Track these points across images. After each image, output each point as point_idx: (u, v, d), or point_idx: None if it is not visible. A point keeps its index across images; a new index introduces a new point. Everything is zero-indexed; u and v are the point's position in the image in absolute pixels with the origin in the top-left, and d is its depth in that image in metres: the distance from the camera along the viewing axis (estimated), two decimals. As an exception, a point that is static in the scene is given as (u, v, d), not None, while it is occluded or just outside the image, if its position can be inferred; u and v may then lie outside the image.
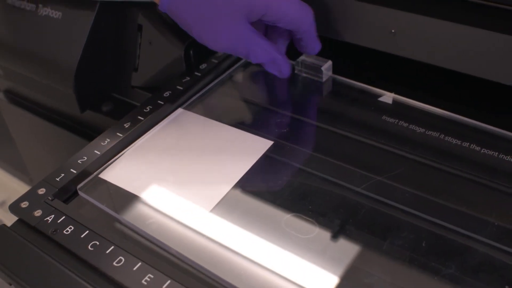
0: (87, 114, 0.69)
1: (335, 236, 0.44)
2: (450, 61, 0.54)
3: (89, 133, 0.71)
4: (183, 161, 0.52)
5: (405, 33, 0.55)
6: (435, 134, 0.53)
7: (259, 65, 0.64)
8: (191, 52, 0.62)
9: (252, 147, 0.53)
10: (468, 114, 0.54)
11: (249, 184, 0.49)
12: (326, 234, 0.45)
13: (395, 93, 0.57)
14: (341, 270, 0.42)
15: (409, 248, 0.43)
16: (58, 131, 0.75)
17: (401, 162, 0.50)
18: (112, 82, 0.69)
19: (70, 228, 0.45)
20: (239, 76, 0.64)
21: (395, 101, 0.57)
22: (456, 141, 0.52)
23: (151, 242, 0.45)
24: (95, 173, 0.52)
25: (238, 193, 0.49)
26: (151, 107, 0.57)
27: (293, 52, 0.63)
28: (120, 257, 0.42)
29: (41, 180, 0.50)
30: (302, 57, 0.61)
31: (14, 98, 0.81)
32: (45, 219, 0.46)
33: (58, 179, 0.50)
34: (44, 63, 0.68)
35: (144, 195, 0.49)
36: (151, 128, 0.56)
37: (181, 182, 0.50)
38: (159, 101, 0.57)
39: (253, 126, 0.56)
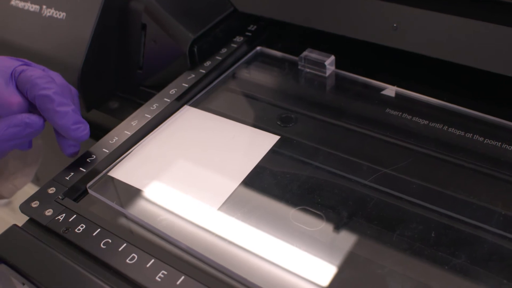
0: (93, 113, 0.68)
1: (344, 228, 0.44)
2: (452, 53, 0.53)
3: (96, 132, 0.70)
4: (191, 158, 0.52)
5: (407, 27, 0.54)
6: (438, 125, 0.52)
7: (262, 61, 0.64)
8: (195, 49, 0.61)
9: (259, 143, 0.52)
10: (471, 106, 0.53)
11: (257, 179, 0.49)
12: (335, 227, 0.44)
13: (398, 86, 0.57)
14: (351, 262, 0.41)
15: (418, 239, 0.42)
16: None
17: (406, 154, 0.50)
18: (117, 81, 0.68)
19: (82, 226, 0.44)
20: (243, 72, 0.63)
21: (398, 94, 0.56)
22: (459, 132, 0.51)
23: (162, 238, 0.45)
24: (104, 171, 0.51)
25: (247, 188, 0.48)
26: (157, 104, 0.56)
27: (297, 47, 0.62)
28: (133, 254, 0.42)
29: (51, 180, 0.49)
30: (305, 53, 0.61)
31: (20, 98, 0.80)
32: (56, 218, 0.45)
33: (67, 178, 0.49)
34: (49, 64, 0.67)
35: (154, 193, 0.48)
36: (158, 126, 0.55)
37: (190, 178, 0.50)
38: (165, 99, 0.57)
39: (259, 122, 0.55)
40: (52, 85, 0.48)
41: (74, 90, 0.53)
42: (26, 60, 0.52)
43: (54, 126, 0.49)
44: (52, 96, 0.48)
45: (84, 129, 0.49)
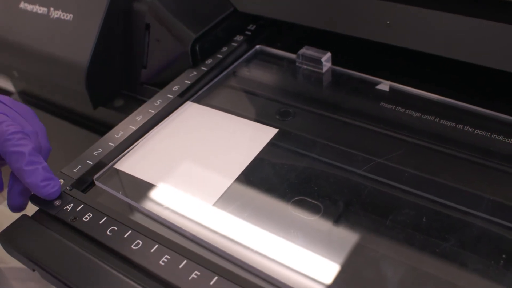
0: (99, 111, 0.69)
1: (340, 216, 0.45)
2: (442, 48, 0.54)
3: (102, 129, 0.71)
4: (193, 151, 0.53)
5: (400, 24, 0.55)
6: (430, 117, 0.53)
7: (261, 59, 0.65)
8: (197, 48, 0.62)
9: (258, 135, 0.53)
10: (462, 98, 0.54)
11: (256, 170, 0.50)
12: (332, 215, 0.45)
13: (392, 81, 0.58)
14: (347, 247, 0.42)
15: (410, 224, 0.43)
16: (72, 129, 0.75)
17: (399, 144, 0.51)
18: (122, 80, 0.70)
19: (89, 215, 0.45)
20: (244, 70, 0.64)
21: (391, 89, 0.57)
22: (450, 123, 0.52)
23: (165, 226, 0.46)
24: (110, 164, 0.52)
25: (246, 179, 0.49)
26: (161, 100, 0.57)
27: (295, 45, 0.63)
28: (138, 241, 0.43)
29: (59, 172, 0.50)
30: (302, 50, 0.62)
31: (29, 98, 0.82)
32: (64, 208, 0.46)
33: (75, 170, 0.50)
34: (57, 64, 0.68)
35: (158, 184, 0.50)
36: (162, 121, 0.56)
37: (192, 170, 0.51)
38: (168, 95, 0.58)
39: (259, 116, 0.56)
40: (25, 142, 0.47)
41: (45, 146, 0.51)
42: (6, 99, 0.51)
43: (24, 183, 0.47)
44: (22, 154, 0.46)
45: (53, 186, 0.47)
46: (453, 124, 0.52)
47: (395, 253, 0.42)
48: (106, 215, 0.45)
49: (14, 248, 0.45)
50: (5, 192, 0.58)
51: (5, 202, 0.50)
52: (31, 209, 0.48)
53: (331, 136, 0.53)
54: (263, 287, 0.39)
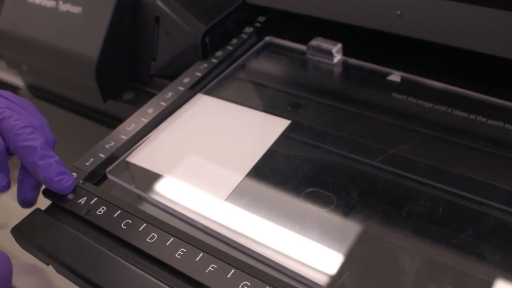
0: (109, 104, 0.68)
1: (354, 207, 0.44)
2: (453, 38, 0.53)
3: (112, 123, 0.70)
4: (205, 143, 0.52)
5: (410, 14, 0.54)
6: (442, 108, 0.52)
7: (271, 51, 0.64)
8: (207, 40, 0.61)
9: (271, 127, 0.52)
10: (474, 88, 0.53)
11: (270, 162, 0.49)
12: (346, 206, 0.44)
13: (403, 71, 0.57)
14: (361, 239, 0.42)
15: (426, 215, 0.42)
16: (82, 122, 0.75)
17: (412, 135, 0.50)
18: (132, 72, 0.69)
19: (103, 208, 0.45)
20: (254, 62, 0.63)
21: (403, 79, 0.56)
22: (463, 113, 0.51)
23: (179, 219, 0.45)
24: (122, 157, 0.51)
25: (260, 171, 0.48)
26: (172, 93, 0.56)
27: (305, 36, 0.62)
28: (153, 234, 0.42)
29: (72, 165, 0.49)
30: (313, 41, 0.61)
31: (38, 92, 0.81)
32: (78, 202, 0.46)
33: (87, 164, 0.49)
34: (66, 57, 0.68)
35: (170, 176, 0.49)
36: (173, 113, 0.56)
37: (204, 162, 0.50)
38: (179, 87, 0.57)
39: (270, 108, 0.56)
40: (35, 136, 0.45)
41: (51, 139, 0.49)
42: (9, 94, 0.49)
43: (37, 178, 0.45)
44: (34, 148, 0.44)
45: (68, 180, 0.45)
46: (466, 114, 0.51)
47: (411, 245, 0.41)
48: (120, 208, 0.44)
49: (28, 242, 0.44)
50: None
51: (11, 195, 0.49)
52: (40, 203, 0.48)
53: (343, 127, 0.52)
54: (280, 279, 0.38)
